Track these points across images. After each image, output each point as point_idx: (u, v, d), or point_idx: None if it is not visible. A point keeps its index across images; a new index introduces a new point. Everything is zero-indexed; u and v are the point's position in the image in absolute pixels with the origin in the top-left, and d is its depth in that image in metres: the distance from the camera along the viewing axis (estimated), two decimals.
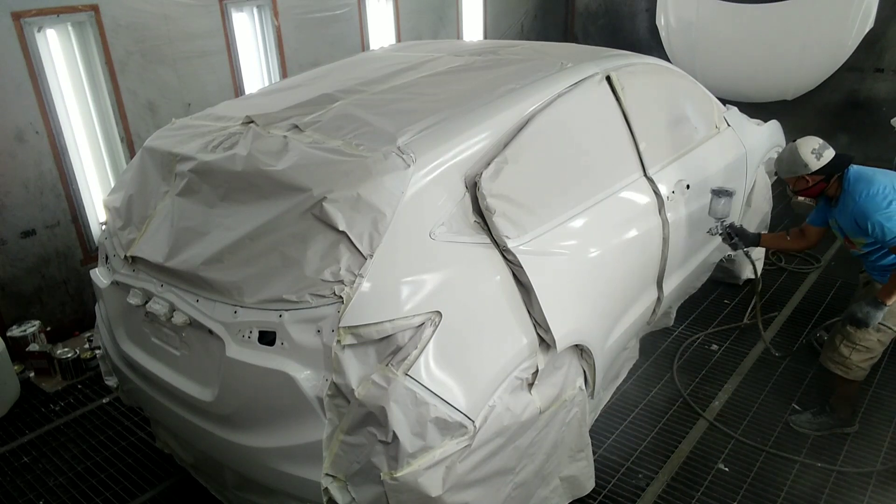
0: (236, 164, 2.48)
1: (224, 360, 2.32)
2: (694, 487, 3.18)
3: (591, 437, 3.00)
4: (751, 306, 4.63)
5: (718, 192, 3.49)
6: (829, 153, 3.14)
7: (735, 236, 3.57)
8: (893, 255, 3.12)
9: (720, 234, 3.60)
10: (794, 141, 3.24)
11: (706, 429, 3.55)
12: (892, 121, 5.72)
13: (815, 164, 3.12)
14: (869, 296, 3.18)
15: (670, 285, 3.52)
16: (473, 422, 2.25)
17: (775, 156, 4.72)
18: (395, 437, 2.11)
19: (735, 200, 3.61)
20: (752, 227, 4.56)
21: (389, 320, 2.13)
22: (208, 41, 5.05)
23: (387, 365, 2.13)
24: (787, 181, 3.30)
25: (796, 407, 3.67)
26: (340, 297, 2.12)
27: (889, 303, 3.05)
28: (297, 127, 2.59)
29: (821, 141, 3.17)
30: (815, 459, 3.31)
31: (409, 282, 2.21)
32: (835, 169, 3.14)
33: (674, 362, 4.10)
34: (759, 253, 4.95)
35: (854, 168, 3.14)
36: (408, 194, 2.29)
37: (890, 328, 3.17)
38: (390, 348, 2.15)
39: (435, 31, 7.15)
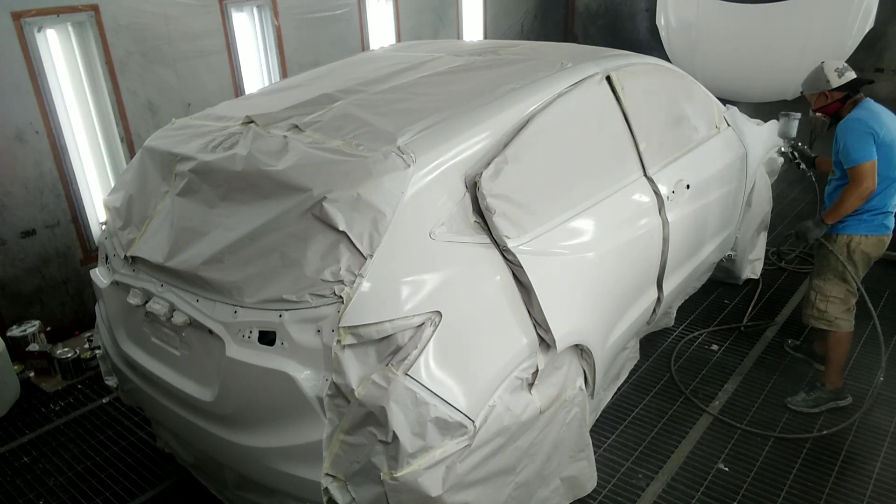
0: (236, 164, 2.48)
1: (224, 360, 2.32)
2: (694, 487, 3.18)
3: (592, 437, 3.00)
4: (750, 308, 4.63)
5: (785, 114, 4.09)
6: (851, 75, 3.36)
7: (798, 156, 4.00)
8: (839, 193, 3.36)
9: (788, 152, 4.05)
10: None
11: (706, 428, 3.56)
12: None
13: (836, 82, 3.35)
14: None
15: (670, 285, 3.52)
16: (473, 422, 2.25)
17: (775, 156, 4.75)
18: (395, 437, 2.11)
19: (793, 124, 4.12)
20: (751, 227, 4.57)
21: (389, 320, 2.13)
22: (208, 41, 5.05)
23: (387, 365, 2.13)
24: (809, 98, 3.52)
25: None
26: (340, 297, 2.12)
27: (829, 222, 3.38)
28: (297, 127, 2.59)
29: (845, 64, 3.41)
30: (816, 458, 3.32)
31: (409, 282, 2.21)
32: (852, 90, 3.36)
33: (673, 362, 4.10)
34: (759, 253, 4.96)
35: (871, 101, 3.37)
36: (408, 194, 2.29)
37: (844, 268, 3.43)
38: (390, 348, 2.15)
39: (435, 31, 7.15)
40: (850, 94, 3.38)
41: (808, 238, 3.46)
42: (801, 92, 3.55)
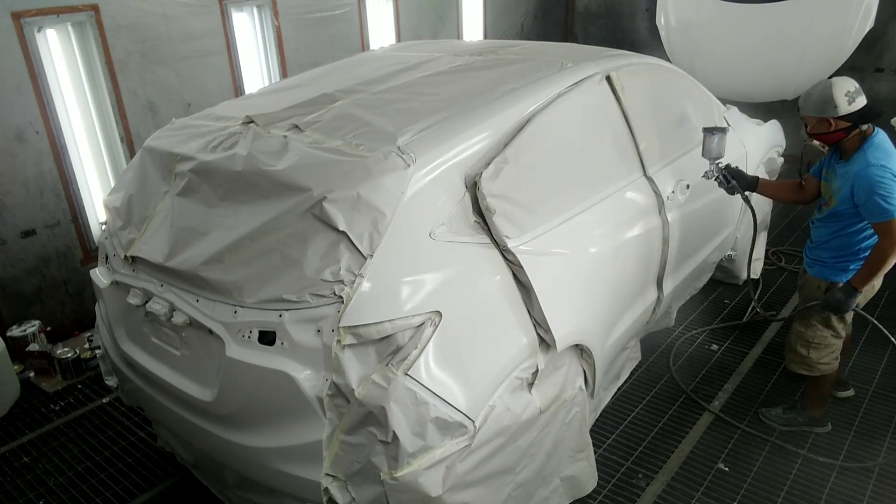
0: (236, 164, 2.48)
1: (224, 360, 2.32)
2: (694, 487, 3.18)
3: (592, 437, 3.00)
4: (751, 307, 4.63)
5: (711, 130, 3.30)
6: (862, 101, 2.88)
7: (732, 179, 3.37)
8: (841, 239, 3.02)
9: (715, 178, 3.39)
10: (831, 78, 2.97)
11: (706, 428, 3.56)
12: (892, 121, 5.71)
13: (845, 109, 2.85)
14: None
15: (670, 285, 3.52)
16: (473, 422, 2.25)
17: (775, 156, 4.74)
18: (395, 437, 2.11)
19: (730, 138, 3.47)
20: (751, 227, 4.55)
21: (389, 320, 2.13)
22: (208, 41, 5.05)
23: (387, 365, 2.13)
24: (807, 119, 3.00)
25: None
26: (340, 296, 2.12)
27: (862, 289, 2.94)
28: (297, 127, 2.59)
29: (857, 85, 2.91)
30: (816, 456, 3.32)
31: (409, 282, 2.21)
32: (861, 120, 2.89)
33: (673, 362, 4.10)
34: (759, 252, 4.95)
35: (883, 135, 2.93)
36: (408, 194, 2.29)
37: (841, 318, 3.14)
38: (390, 348, 2.15)
39: (435, 31, 7.15)
40: (856, 124, 2.89)
41: (843, 311, 3.03)
42: (798, 111, 3.04)
